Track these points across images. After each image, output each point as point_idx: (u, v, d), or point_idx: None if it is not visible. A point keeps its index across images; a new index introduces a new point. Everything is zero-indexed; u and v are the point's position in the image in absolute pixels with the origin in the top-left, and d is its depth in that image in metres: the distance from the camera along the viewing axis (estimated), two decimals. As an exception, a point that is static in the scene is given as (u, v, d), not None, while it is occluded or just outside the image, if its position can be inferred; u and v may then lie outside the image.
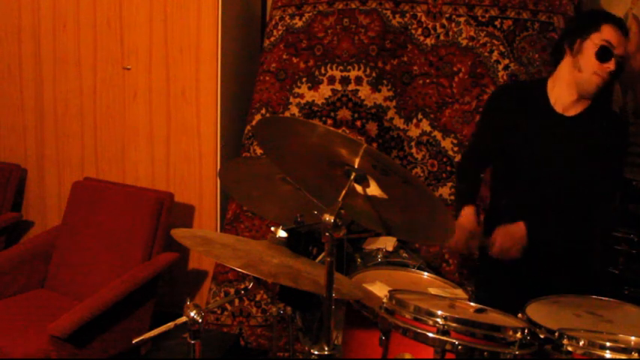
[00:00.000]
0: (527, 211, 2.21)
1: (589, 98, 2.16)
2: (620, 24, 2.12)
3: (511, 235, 2.13)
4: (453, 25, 3.09)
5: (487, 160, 2.42)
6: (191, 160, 3.38)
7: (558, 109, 2.19)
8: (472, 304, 1.63)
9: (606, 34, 2.09)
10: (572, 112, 2.18)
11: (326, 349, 1.49)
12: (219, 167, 3.34)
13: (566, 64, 2.17)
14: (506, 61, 3.04)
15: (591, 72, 2.10)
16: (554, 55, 2.25)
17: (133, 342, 1.60)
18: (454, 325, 1.41)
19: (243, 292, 1.90)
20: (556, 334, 1.51)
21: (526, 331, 1.45)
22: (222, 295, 3.23)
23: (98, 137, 3.49)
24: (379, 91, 3.17)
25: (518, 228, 2.13)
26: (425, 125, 3.14)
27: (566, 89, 2.17)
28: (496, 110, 2.33)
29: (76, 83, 3.49)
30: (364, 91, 3.18)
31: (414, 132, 3.16)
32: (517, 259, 2.22)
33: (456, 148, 3.09)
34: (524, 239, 2.12)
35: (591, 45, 2.10)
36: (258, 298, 3.23)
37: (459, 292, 1.90)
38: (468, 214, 2.28)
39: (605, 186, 2.22)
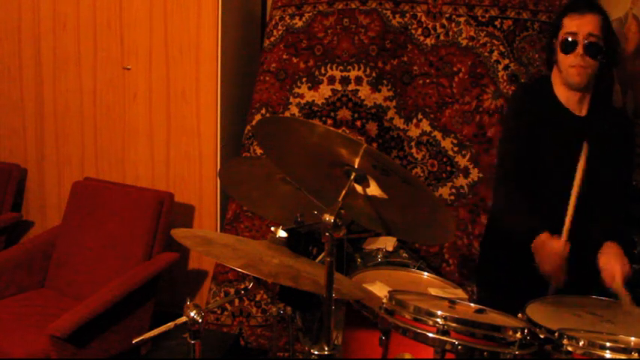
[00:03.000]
0: (554, 218, 2.05)
1: (584, 90, 2.16)
2: (577, 5, 2.12)
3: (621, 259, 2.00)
4: (453, 25, 3.09)
5: (526, 173, 2.19)
6: (191, 160, 3.38)
7: (569, 107, 2.20)
8: (472, 304, 1.63)
9: (567, 26, 2.12)
10: (582, 112, 2.19)
11: (326, 349, 1.49)
12: (219, 167, 3.34)
13: (555, 68, 2.21)
14: (506, 61, 3.04)
15: (567, 67, 2.12)
16: (547, 58, 2.26)
17: (133, 342, 1.60)
18: (454, 325, 1.41)
19: (243, 292, 1.90)
20: (556, 334, 1.51)
21: (526, 331, 1.45)
22: (222, 295, 3.23)
23: (98, 137, 3.49)
24: (379, 91, 3.17)
25: (618, 249, 2.02)
26: (425, 125, 3.14)
27: (562, 88, 2.19)
28: (519, 120, 2.24)
29: (76, 83, 3.49)
30: (364, 91, 3.18)
31: (414, 132, 3.16)
32: (516, 259, 2.21)
33: (456, 148, 3.09)
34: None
35: (558, 44, 2.14)
36: (258, 298, 3.23)
37: (459, 292, 1.90)
38: (549, 240, 2.01)
39: (620, 185, 2.21)
